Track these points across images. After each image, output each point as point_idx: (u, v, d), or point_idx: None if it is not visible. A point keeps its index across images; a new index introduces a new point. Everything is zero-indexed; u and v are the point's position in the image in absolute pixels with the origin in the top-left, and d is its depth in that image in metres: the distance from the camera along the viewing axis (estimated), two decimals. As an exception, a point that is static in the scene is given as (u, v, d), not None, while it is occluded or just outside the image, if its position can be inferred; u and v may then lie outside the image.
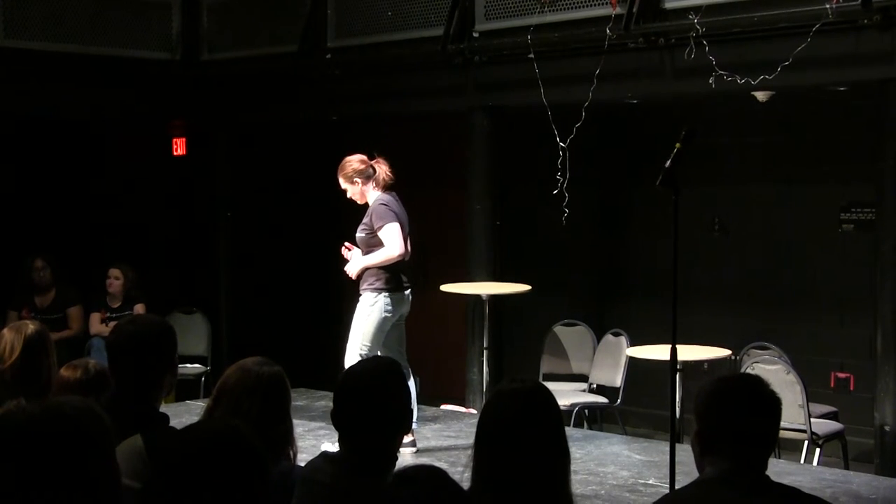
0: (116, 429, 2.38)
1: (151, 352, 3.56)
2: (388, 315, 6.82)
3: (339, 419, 3.17)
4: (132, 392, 3.55)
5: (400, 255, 6.78)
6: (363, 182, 6.88)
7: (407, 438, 6.55)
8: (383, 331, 6.83)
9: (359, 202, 6.96)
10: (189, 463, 2.23)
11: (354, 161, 6.91)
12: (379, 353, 6.68)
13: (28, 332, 4.44)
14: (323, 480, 3.15)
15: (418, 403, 7.20)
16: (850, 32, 6.81)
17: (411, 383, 6.76)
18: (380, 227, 6.75)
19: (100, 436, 2.31)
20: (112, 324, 8.60)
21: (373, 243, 6.82)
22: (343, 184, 6.93)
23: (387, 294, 6.80)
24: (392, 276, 6.84)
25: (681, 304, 5.16)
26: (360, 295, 6.87)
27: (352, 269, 6.86)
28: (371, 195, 6.88)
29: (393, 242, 6.74)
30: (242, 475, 2.23)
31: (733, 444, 2.87)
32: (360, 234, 6.89)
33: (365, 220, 6.87)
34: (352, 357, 6.78)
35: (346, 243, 6.96)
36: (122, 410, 3.03)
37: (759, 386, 2.96)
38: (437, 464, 6.35)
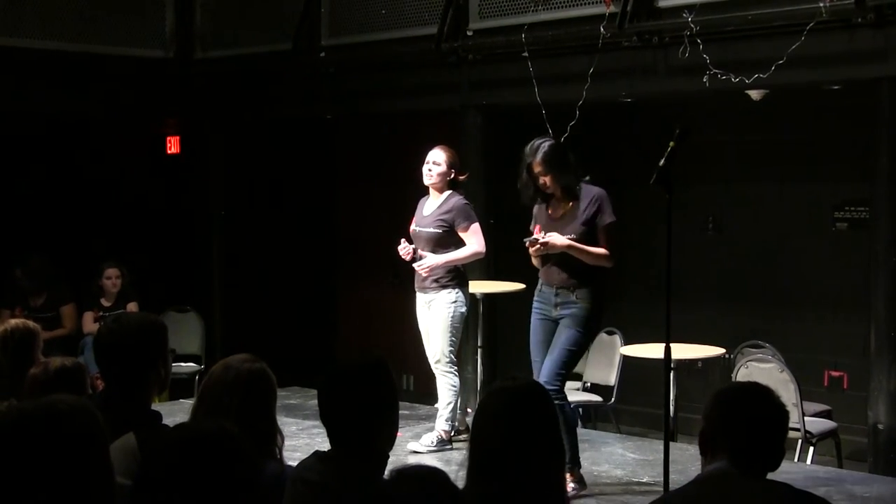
0: (107, 427, 2.37)
1: (133, 349, 3.53)
2: (466, 310, 7.01)
3: (326, 415, 3.16)
4: (120, 390, 3.54)
5: (483, 255, 7.05)
6: (451, 174, 7.04)
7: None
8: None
9: (431, 183, 7.05)
10: (176, 465, 2.22)
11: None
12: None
13: (9, 330, 4.44)
14: (313, 479, 3.14)
15: (412, 402, 7.20)
16: (843, 31, 6.80)
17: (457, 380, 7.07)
18: (466, 227, 6.93)
19: (93, 434, 2.30)
20: (105, 323, 8.58)
21: (450, 241, 6.94)
22: (440, 158, 7.05)
23: (463, 290, 7.00)
24: (465, 273, 7.08)
25: (674, 302, 5.17)
26: (430, 293, 6.96)
27: (430, 264, 6.89)
28: (447, 191, 7.04)
29: (481, 241, 6.99)
30: (229, 477, 2.22)
31: (728, 445, 2.92)
32: (431, 230, 6.96)
33: (443, 216, 6.96)
34: (445, 363, 6.97)
35: (404, 240, 7.01)
36: (111, 409, 3.02)
37: (764, 395, 3.02)
38: (431, 463, 6.35)
